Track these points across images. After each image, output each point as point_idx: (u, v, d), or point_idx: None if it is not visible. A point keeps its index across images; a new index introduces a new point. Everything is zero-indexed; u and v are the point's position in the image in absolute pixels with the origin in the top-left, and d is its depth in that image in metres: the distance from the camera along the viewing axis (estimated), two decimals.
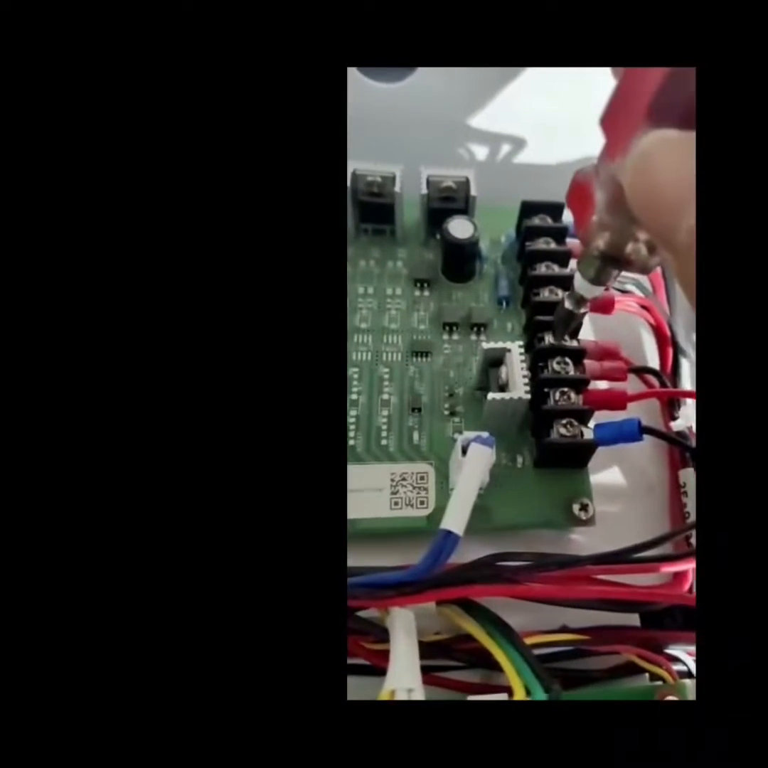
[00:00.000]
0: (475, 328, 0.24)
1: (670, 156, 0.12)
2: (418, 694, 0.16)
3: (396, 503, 0.21)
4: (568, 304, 0.19)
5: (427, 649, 0.20)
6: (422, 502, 0.21)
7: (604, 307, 0.24)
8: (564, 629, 0.21)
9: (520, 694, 0.17)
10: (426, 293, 0.25)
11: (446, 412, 0.23)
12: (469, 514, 0.18)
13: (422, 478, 0.22)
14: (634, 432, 0.20)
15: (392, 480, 0.22)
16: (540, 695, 0.16)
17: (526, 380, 0.21)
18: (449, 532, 0.17)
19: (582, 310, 0.19)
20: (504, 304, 0.25)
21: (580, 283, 0.18)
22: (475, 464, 0.18)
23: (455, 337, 0.24)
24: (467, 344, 0.24)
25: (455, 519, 0.18)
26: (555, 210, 0.25)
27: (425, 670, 0.20)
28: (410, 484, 0.21)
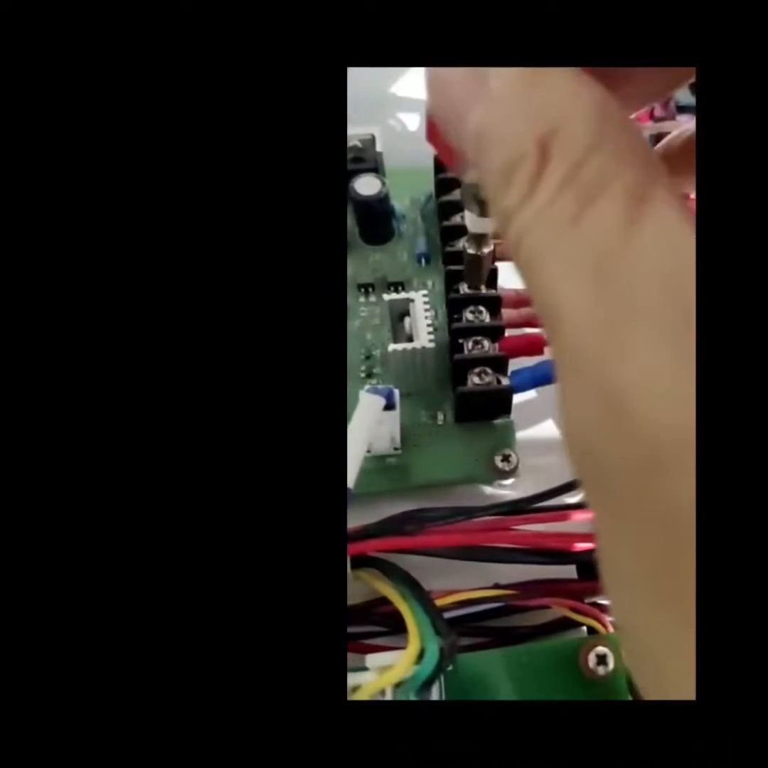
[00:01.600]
0: (392, 288, 0.24)
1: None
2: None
3: None
4: (468, 247, 0.19)
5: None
6: None
7: None
8: (495, 586, 0.20)
9: (414, 643, 0.16)
10: None
11: (363, 375, 0.22)
12: (359, 465, 0.17)
13: None
14: (548, 373, 0.19)
15: None
16: (432, 650, 0.15)
17: (431, 329, 0.20)
18: None
19: (485, 250, 0.19)
20: (423, 261, 0.24)
21: (470, 221, 0.17)
22: (363, 413, 0.17)
23: (372, 298, 0.24)
24: (385, 305, 0.23)
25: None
26: None
27: (348, 638, 0.19)
28: None
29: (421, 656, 0.16)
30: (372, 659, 0.16)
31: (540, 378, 0.20)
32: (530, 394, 0.24)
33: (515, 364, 0.21)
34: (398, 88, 0.29)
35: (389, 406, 0.19)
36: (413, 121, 0.28)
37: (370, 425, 0.17)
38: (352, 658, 0.19)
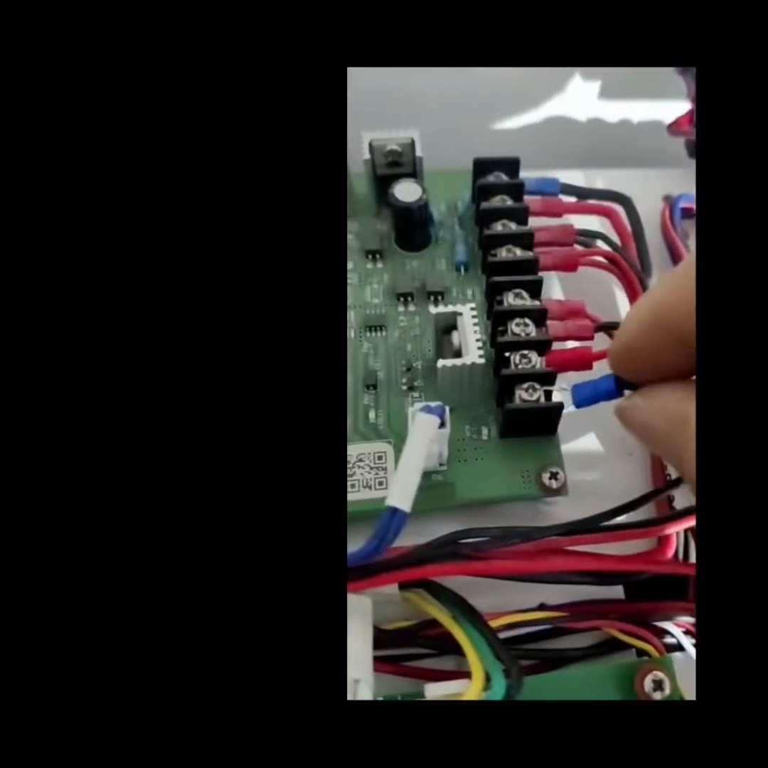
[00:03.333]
0: (432, 297, 0.23)
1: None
2: (365, 686, 0.15)
3: (353, 486, 0.20)
4: None
5: (392, 637, 0.19)
6: (381, 483, 0.20)
7: (567, 264, 0.23)
8: (541, 607, 0.20)
9: (478, 678, 0.15)
10: (379, 265, 0.24)
11: (404, 388, 0.22)
12: (416, 488, 0.16)
13: (380, 457, 0.20)
14: (611, 388, 0.18)
15: (348, 462, 0.20)
16: (499, 678, 0.15)
17: (480, 344, 0.19)
18: (395, 510, 0.16)
19: None
20: (462, 269, 0.24)
21: None
22: (419, 434, 0.17)
23: (411, 308, 0.23)
24: (424, 315, 0.23)
25: (400, 494, 0.16)
26: (510, 166, 0.24)
27: (392, 660, 0.19)
28: (367, 465, 0.20)
29: (486, 684, 0.15)
30: (432, 689, 0.16)
31: (603, 393, 0.19)
32: (566, 402, 0.24)
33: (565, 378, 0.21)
34: (432, 87, 0.29)
35: (442, 424, 0.18)
36: (448, 121, 0.27)
37: (427, 446, 0.17)
38: (400, 682, 0.19)
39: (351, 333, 0.23)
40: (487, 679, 0.15)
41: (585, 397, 0.19)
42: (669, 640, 0.19)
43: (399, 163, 0.24)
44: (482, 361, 0.19)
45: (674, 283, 0.13)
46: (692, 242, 0.26)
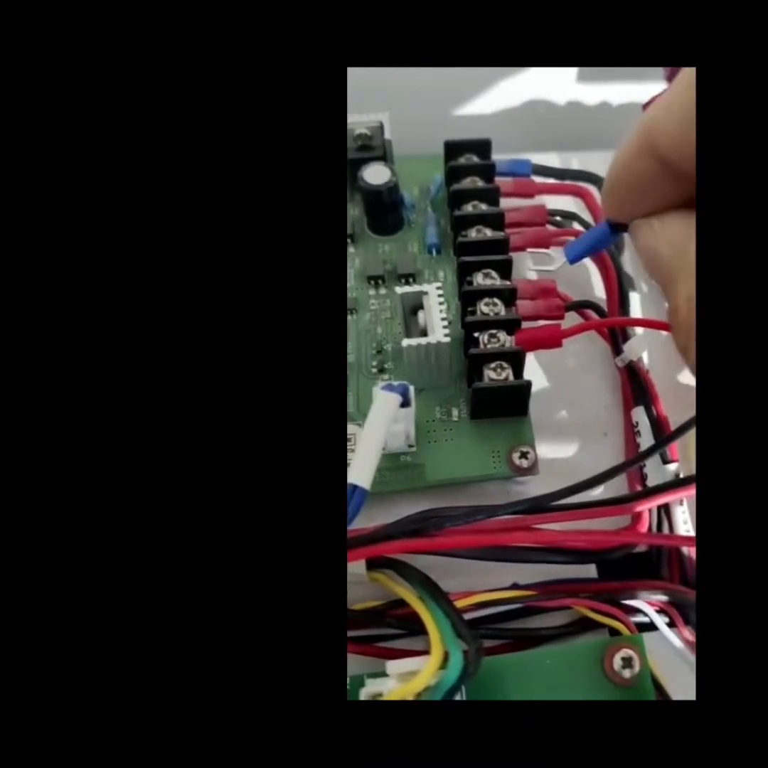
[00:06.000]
0: (403, 280, 0.23)
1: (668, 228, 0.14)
2: None
3: None
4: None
5: (360, 618, 0.19)
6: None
7: (539, 243, 0.23)
8: (514, 587, 0.19)
9: (436, 656, 0.15)
10: (351, 249, 0.24)
11: (374, 370, 0.22)
12: (376, 465, 0.16)
13: (349, 439, 0.20)
14: (606, 232, 0.17)
15: None
16: (457, 656, 0.15)
17: (446, 323, 0.19)
18: (355, 487, 0.16)
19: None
20: (434, 252, 0.24)
21: None
22: (379, 411, 0.17)
23: (382, 291, 0.23)
24: (394, 298, 0.23)
25: (360, 471, 0.16)
26: (481, 147, 0.24)
27: (360, 640, 0.19)
28: None
29: (444, 662, 0.15)
30: (392, 666, 0.16)
31: (597, 240, 0.17)
32: (543, 384, 0.24)
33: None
34: (405, 74, 0.28)
35: (405, 403, 0.18)
36: (420, 107, 0.27)
37: (386, 424, 0.17)
38: (369, 662, 0.18)
39: None
40: (446, 658, 0.15)
41: (579, 251, 0.18)
42: (641, 618, 0.19)
43: (369, 147, 0.24)
44: (447, 339, 0.19)
45: (665, 101, 0.13)
46: None
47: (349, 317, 0.22)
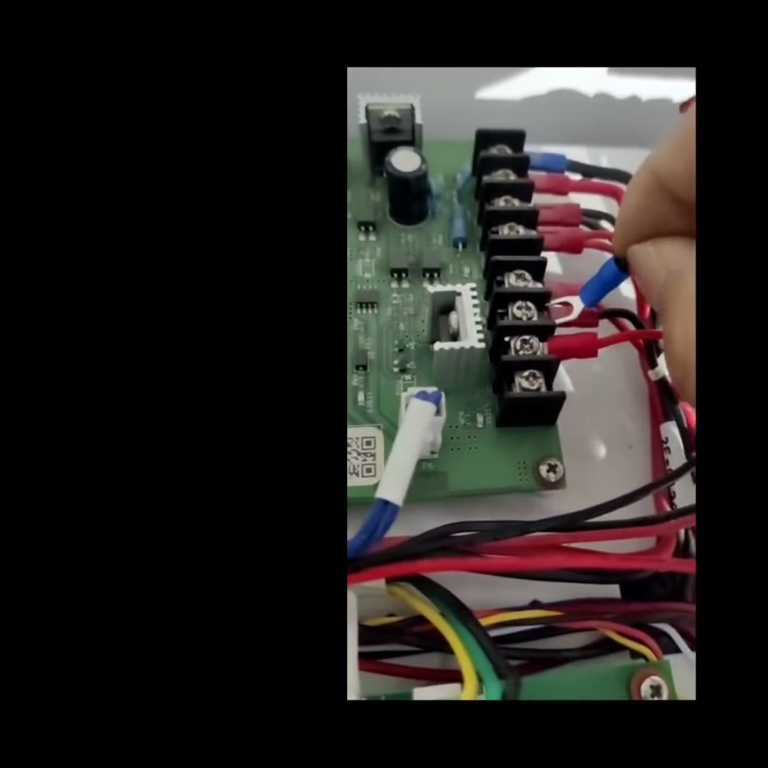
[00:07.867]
0: (428, 275, 0.22)
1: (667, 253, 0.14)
2: (349, 688, 0.14)
3: None
4: None
5: (376, 634, 0.18)
6: (369, 470, 0.19)
7: (572, 245, 0.22)
8: (534, 605, 0.19)
9: (470, 683, 0.14)
10: (372, 238, 0.22)
11: (396, 369, 0.20)
12: (409, 480, 0.15)
13: (369, 443, 0.19)
14: (613, 270, 0.17)
15: None
16: (493, 684, 0.14)
17: (480, 327, 0.18)
18: (386, 502, 0.15)
19: None
20: (460, 246, 0.22)
21: None
22: (413, 422, 0.16)
23: (405, 285, 0.22)
24: (419, 293, 0.22)
25: (392, 486, 0.15)
26: (514, 139, 0.22)
27: (375, 656, 0.18)
28: (355, 451, 0.19)
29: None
30: (420, 693, 0.15)
31: (608, 280, 0.18)
32: (565, 388, 0.23)
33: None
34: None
35: (437, 412, 0.17)
36: (450, 89, 0.26)
37: (422, 436, 0.16)
38: (385, 681, 0.18)
39: None
40: (479, 681, 0.14)
41: (593, 292, 0.18)
42: (665, 642, 0.18)
43: (397, 130, 0.22)
44: (481, 345, 0.18)
45: (671, 143, 0.14)
46: None
47: (369, 311, 0.21)
